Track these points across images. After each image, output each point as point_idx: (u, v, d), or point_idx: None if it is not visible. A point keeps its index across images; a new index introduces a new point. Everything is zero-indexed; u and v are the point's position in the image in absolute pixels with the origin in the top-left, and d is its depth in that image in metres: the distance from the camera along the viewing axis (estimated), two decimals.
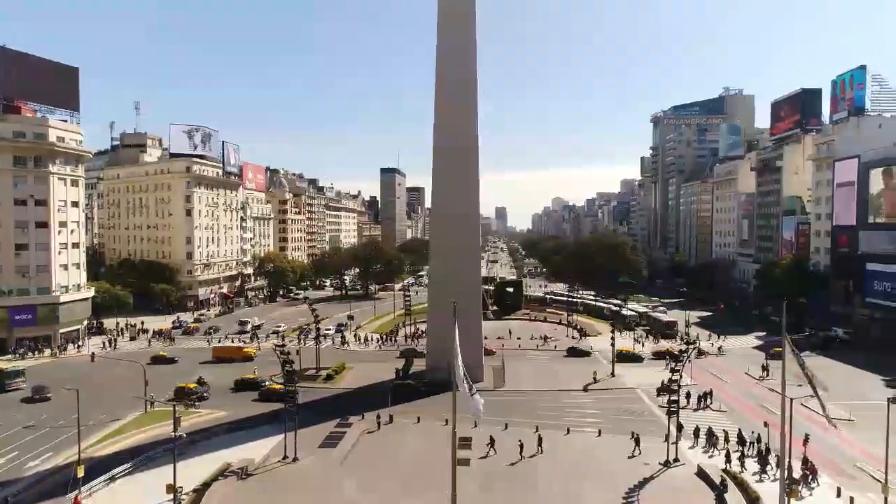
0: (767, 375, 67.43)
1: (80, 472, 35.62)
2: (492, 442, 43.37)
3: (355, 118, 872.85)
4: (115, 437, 48.22)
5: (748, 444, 42.59)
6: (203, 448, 44.76)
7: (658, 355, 76.55)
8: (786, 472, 29.12)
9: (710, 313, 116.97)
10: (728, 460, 40.06)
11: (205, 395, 59.40)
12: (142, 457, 41.93)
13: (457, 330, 33.48)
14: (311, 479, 39.55)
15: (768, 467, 38.82)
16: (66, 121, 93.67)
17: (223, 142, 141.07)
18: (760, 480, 38.04)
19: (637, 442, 43.17)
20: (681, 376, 42.46)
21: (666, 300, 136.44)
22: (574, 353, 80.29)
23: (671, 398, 41.77)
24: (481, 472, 39.64)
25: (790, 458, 30.81)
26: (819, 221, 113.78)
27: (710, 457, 42.75)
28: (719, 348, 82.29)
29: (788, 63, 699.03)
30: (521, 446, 42.71)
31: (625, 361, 73.58)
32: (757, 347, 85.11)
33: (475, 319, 65.36)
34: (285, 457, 42.47)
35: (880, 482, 36.54)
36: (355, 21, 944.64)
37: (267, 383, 61.52)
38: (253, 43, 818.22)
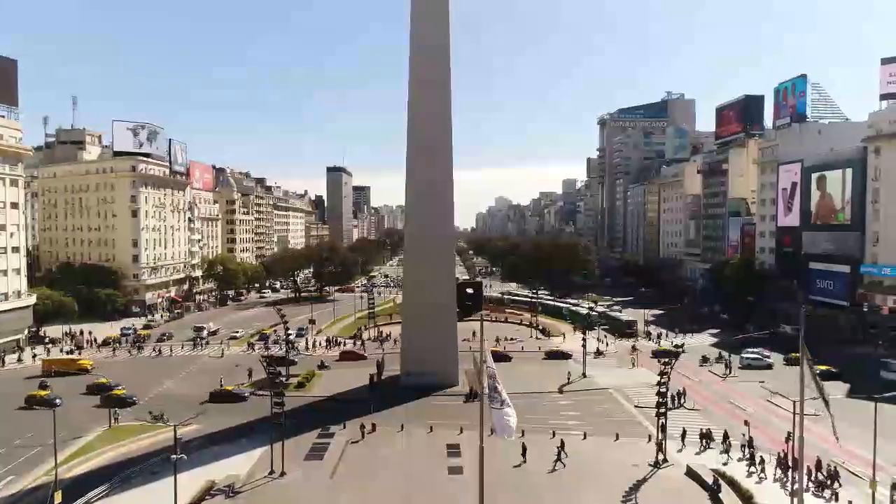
0: (730, 373, 69.90)
1: (58, 498, 33.24)
2: (524, 450, 42.42)
3: (298, 115, 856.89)
4: (82, 457, 45.28)
5: (743, 446, 43.33)
6: (181, 465, 42.47)
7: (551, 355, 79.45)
8: (804, 476, 29.94)
9: (663, 312, 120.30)
10: (752, 464, 40.77)
11: (56, 401, 57.51)
12: (117, 477, 39.53)
13: (484, 337, 32.49)
14: (304, 495, 38.23)
15: (789, 471, 38.43)
16: (3, 116, 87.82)
17: (170, 140, 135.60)
18: (784, 486, 37.84)
19: (659, 448, 42.94)
20: (669, 378, 43.26)
21: (617, 298, 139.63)
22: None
23: (660, 400, 42.47)
24: (476, 481, 38.94)
25: (789, 458, 31.84)
26: (764, 222, 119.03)
27: (725, 461, 42.54)
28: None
29: (724, 70, 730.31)
30: (559, 453, 41.96)
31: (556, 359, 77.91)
32: (714, 345, 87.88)
33: (450, 321, 64.93)
34: (272, 471, 40.88)
35: (859, 477, 38.36)
36: (297, 14, 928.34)
37: (116, 389, 61.32)
38: (188, 38, 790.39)
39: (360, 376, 66.91)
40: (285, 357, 74.06)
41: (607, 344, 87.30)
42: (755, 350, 76.24)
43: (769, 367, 72.08)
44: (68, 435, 48.85)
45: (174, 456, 33.57)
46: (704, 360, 75.13)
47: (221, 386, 63.86)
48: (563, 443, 42.94)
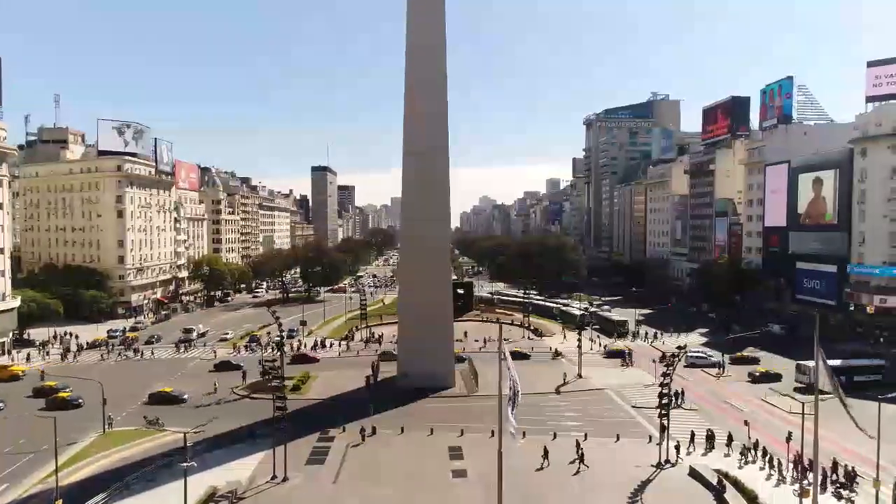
0: (724, 373, 70.51)
1: None
2: (546, 453, 42.24)
3: (284, 114, 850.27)
4: (77, 463, 44.36)
5: (748, 449, 43.53)
6: (179, 471, 41.80)
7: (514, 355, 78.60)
8: (819, 478, 30.13)
9: (652, 311, 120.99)
10: (771, 465, 40.92)
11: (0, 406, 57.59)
12: (116, 484, 38.74)
13: (504, 342, 32.13)
14: (308, 501, 37.80)
15: (806, 473, 37.31)
16: None
17: (155, 139, 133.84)
18: (799, 488, 37.39)
19: (677, 450, 43.05)
20: (671, 379, 43.42)
21: (605, 298, 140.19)
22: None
23: (662, 401, 42.58)
24: (481, 484, 38.77)
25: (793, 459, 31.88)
26: (751, 222, 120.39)
27: (740, 465, 42.53)
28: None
29: (709, 72, 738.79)
30: (580, 455, 41.69)
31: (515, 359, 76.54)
32: (704, 345, 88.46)
33: (446, 322, 64.67)
34: (274, 476, 40.35)
35: (861, 476, 38.77)
36: (280, 13, 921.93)
37: (62, 392, 60.13)
38: (165, 35, 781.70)
39: (354, 378, 66.33)
40: (229, 363, 74.35)
41: (600, 344, 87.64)
42: (697, 350, 78.83)
43: (714, 365, 73.11)
44: (62, 441, 47.87)
45: (184, 464, 33.00)
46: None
47: (215, 390, 63.18)
48: (578, 444, 42.98)
